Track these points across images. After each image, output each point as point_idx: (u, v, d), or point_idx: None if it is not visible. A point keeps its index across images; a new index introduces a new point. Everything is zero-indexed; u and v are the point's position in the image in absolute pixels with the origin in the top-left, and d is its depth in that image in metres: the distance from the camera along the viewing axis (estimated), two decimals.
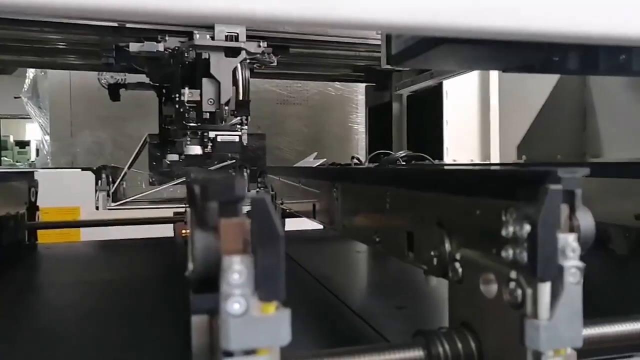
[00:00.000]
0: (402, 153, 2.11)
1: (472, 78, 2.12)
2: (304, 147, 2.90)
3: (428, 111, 2.20)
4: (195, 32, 1.88)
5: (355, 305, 0.59)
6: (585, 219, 0.31)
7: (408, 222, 0.49)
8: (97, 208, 1.76)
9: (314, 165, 2.03)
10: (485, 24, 0.39)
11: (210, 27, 1.90)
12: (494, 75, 2.11)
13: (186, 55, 1.92)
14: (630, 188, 0.72)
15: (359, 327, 0.53)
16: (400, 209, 0.51)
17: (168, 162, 2.19)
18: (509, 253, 0.32)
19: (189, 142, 1.96)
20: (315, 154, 2.30)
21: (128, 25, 1.91)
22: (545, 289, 0.30)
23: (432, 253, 0.43)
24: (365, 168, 1.70)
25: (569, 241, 0.30)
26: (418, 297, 0.55)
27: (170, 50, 1.92)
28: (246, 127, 1.97)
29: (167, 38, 1.91)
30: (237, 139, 1.94)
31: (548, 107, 1.44)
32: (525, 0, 0.39)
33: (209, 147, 1.95)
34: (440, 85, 2.09)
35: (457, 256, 0.38)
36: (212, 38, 1.90)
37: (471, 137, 2.09)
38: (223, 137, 1.94)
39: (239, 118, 1.96)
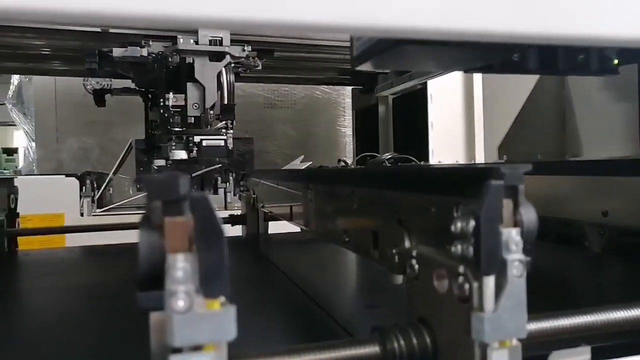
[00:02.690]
0: (388, 155, 2.13)
1: (456, 80, 2.14)
2: (292, 150, 2.91)
3: (413, 113, 2.21)
4: (179, 36, 1.88)
5: (327, 304, 0.59)
6: (528, 214, 0.32)
7: (372, 221, 0.49)
8: (81, 214, 1.75)
9: (301, 169, 2.03)
10: (439, 25, 0.40)
11: (194, 32, 1.91)
12: (477, 77, 2.13)
13: (170, 59, 1.92)
14: (601, 185, 0.74)
15: (328, 326, 0.53)
16: (366, 208, 0.52)
17: (155, 168, 2.18)
18: (457, 248, 0.33)
19: (174, 147, 1.96)
20: (302, 157, 2.31)
21: (111, 30, 1.91)
22: (489, 282, 0.31)
23: (394, 251, 0.44)
24: (336, 169, 1.71)
25: (512, 235, 0.31)
26: (391, 296, 0.55)
27: (154, 55, 1.92)
28: (231, 131, 1.98)
29: (150, 43, 1.92)
30: (222, 143, 1.95)
31: (528, 108, 1.46)
32: (480, 1, 0.40)
33: (195, 151, 1.96)
34: (424, 87, 2.11)
35: (414, 253, 0.39)
36: (196, 42, 1.90)
37: (456, 138, 2.10)
38: (208, 141, 1.94)
39: (224, 122, 1.96)
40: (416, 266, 0.38)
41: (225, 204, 1.95)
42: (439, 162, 2.04)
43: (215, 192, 1.99)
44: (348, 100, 2.97)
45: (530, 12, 0.41)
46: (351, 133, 2.94)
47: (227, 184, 1.95)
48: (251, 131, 2.78)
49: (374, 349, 0.35)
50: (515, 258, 0.31)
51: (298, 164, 2.24)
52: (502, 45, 0.49)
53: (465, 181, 0.34)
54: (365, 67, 0.48)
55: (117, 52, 1.88)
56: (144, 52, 1.90)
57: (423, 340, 0.36)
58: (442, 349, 0.35)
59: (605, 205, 0.69)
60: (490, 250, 0.30)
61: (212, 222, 0.26)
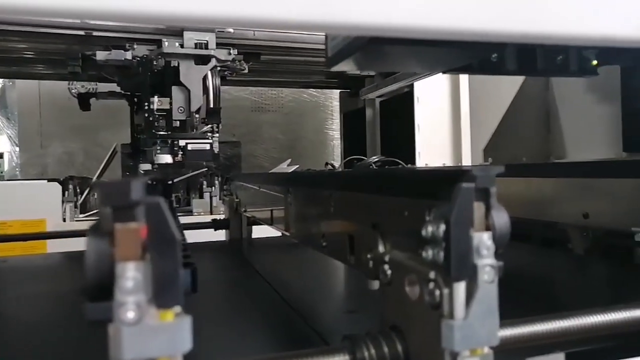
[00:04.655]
0: (375, 158, 2.12)
1: (443, 83, 2.14)
2: (280, 154, 2.90)
3: (401, 116, 2.21)
4: (164, 39, 1.86)
5: (305, 310, 0.58)
6: (500, 217, 0.31)
7: (349, 226, 0.48)
8: (64, 220, 1.72)
9: (288, 172, 2.02)
10: (414, 23, 0.39)
11: (179, 35, 1.89)
12: (464, 79, 2.13)
13: (155, 63, 1.90)
14: (582, 188, 0.73)
15: (305, 333, 0.52)
16: (342, 212, 0.51)
17: (142, 172, 2.16)
18: (428, 253, 0.32)
19: (159, 151, 1.94)
20: (289, 160, 2.30)
21: (95, 33, 1.88)
22: (460, 288, 0.30)
23: (368, 256, 0.42)
24: (315, 172, 1.70)
25: (483, 239, 0.30)
26: (371, 301, 0.54)
27: (138, 59, 1.90)
28: (217, 135, 1.96)
29: (135, 46, 1.90)
30: (208, 147, 1.93)
31: (513, 110, 1.46)
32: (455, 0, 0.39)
33: (180, 155, 1.94)
34: (411, 90, 2.11)
35: (387, 258, 0.38)
36: (181, 46, 1.88)
37: (443, 141, 2.10)
38: (194, 145, 1.92)
39: (209, 126, 1.95)
40: (389, 272, 0.37)
41: (211, 208, 1.93)
42: (426, 164, 2.04)
43: (201, 196, 1.97)
44: (336, 104, 2.97)
45: (508, 9, 0.40)
46: (339, 136, 2.93)
47: (213, 188, 1.93)
48: (238, 135, 2.77)
49: (343, 358, 0.34)
50: (487, 263, 0.30)
51: (285, 167, 2.22)
52: (480, 45, 0.48)
53: (437, 184, 0.33)
54: (340, 67, 0.47)
55: (100, 55, 1.86)
56: (129, 55, 1.88)
57: (394, 349, 0.34)
58: (414, 357, 0.34)
59: (586, 208, 0.68)
60: (461, 256, 0.29)
61: (166, 228, 0.25)
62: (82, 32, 1.89)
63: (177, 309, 0.26)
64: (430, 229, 0.32)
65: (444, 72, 0.54)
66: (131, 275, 0.24)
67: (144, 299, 0.25)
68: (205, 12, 0.37)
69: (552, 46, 0.51)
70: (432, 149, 2.08)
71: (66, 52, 1.95)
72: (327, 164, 2.49)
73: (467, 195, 0.30)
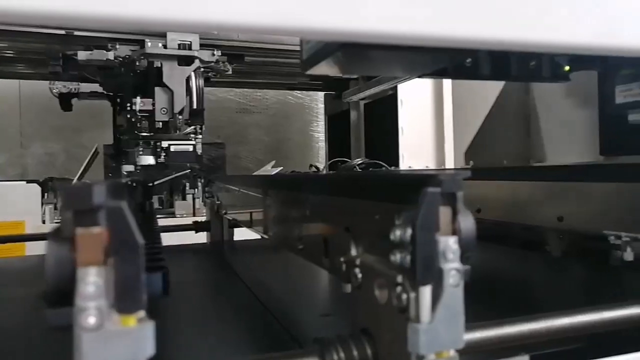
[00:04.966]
0: (359, 160, 2.13)
1: (426, 86, 2.16)
2: (265, 155, 2.89)
3: (385, 119, 2.22)
4: (147, 40, 1.85)
5: (282, 313, 0.58)
6: (466, 221, 0.31)
7: (323, 229, 0.48)
8: (43, 222, 1.70)
9: (267, 174, 2.02)
10: (387, 29, 0.39)
11: (162, 36, 1.88)
12: (447, 83, 2.15)
13: (138, 63, 1.89)
14: (557, 191, 0.74)
15: (280, 336, 0.52)
16: (318, 215, 0.51)
17: (125, 173, 2.14)
18: (396, 257, 0.32)
19: (141, 152, 1.93)
20: (273, 162, 2.30)
21: (77, 33, 1.86)
22: (425, 292, 0.30)
23: (341, 259, 0.43)
24: (293, 175, 1.70)
25: (449, 244, 0.30)
26: (346, 305, 0.54)
27: (120, 59, 1.89)
28: (200, 136, 1.95)
29: (117, 46, 1.88)
30: (191, 148, 1.92)
31: (493, 114, 1.48)
32: (429, 7, 0.40)
33: (163, 157, 1.92)
34: (395, 93, 2.12)
35: (357, 262, 0.38)
36: (165, 46, 1.87)
37: (426, 144, 2.12)
38: (177, 146, 1.91)
39: (193, 127, 1.94)
40: (359, 275, 0.38)
41: (194, 210, 1.92)
42: (409, 167, 2.05)
43: (184, 198, 1.96)
44: (321, 106, 2.97)
45: (480, 17, 0.41)
46: (324, 138, 2.94)
47: (196, 190, 1.92)
48: (223, 136, 2.75)
49: None
50: (452, 267, 0.30)
51: (269, 169, 2.22)
52: (454, 50, 0.49)
53: (406, 188, 0.33)
54: (314, 71, 0.47)
55: (82, 55, 1.84)
56: (111, 55, 1.87)
57: (364, 352, 0.35)
58: None
59: (560, 211, 0.69)
60: (426, 259, 0.30)
61: (128, 233, 0.25)
62: (62, 32, 1.87)
63: (141, 314, 0.26)
64: (398, 233, 0.32)
65: (419, 77, 0.54)
66: (92, 280, 0.24)
67: (106, 304, 0.24)
68: (181, 17, 0.36)
69: (525, 52, 0.52)
70: (415, 151, 2.10)
71: (47, 52, 1.92)
72: (311, 166, 2.49)
73: (432, 199, 0.30)
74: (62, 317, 0.25)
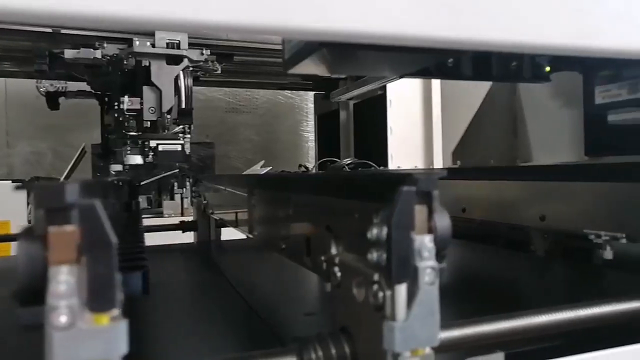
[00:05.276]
0: (348, 160, 2.13)
1: (415, 87, 2.17)
2: (254, 155, 2.89)
3: (374, 119, 2.23)
4: (135, 39, 1.84)
5: (267, 312, 0.58)
6: (442, 220, 0.31)
7: (306, 228, 0.49)
8: (29, 222, 1.68)
9: (252, 174, 2.01)
10: (366, 29, 0.39)
11: (150, 34, 1.87)
12: (436, 83, 2.16)
13: (125, 62, 1.88)
14: (539, 191, 0.75)
15: (263, 335, 0.52)
16: (300, 215, 0.51)
17: (113, 173, 2.12)
18: (373, 255, 0.32)
19: (129, 152, 1.91)
20: (263, 162, 2.29)
21: (63, 31, 1.85)
22: (401, 290, 0.30)
23: (322, 258, 0.43)
24: (278, 175, 1.70)
25: (424, 242, 0.30)
26: (328, 303, 0.54)
27: (108, 58, 1.87)
28: (189, 135, 1.94)
29: (105, 45, 1.87)
30: (179, 147, 1.91)
31: (481, 114, 1.49)
32: (411, 6, 0.40)
33: (151, 156, 1.91)
34: (384, 93, 2.13)
35: (337, 260, 0.38)
36: (153, 45, 1.86)
37: (415, 144, 2.13)
38: (165, 146, 1.90)
39: (181, 127, 1.93)
40: (338, 274, 0.38)
41: (182, 209, 1.91)
42: (398, 167, 2.06)
43: (172, 198, 1.95)
44: (311, 106, 2.97)
45: (461, 17, 0.41)
46: (314, 138, 2.94)
47: (184, 189, 1.91)
48: (212, 136, 2.74)
49: None
50: (428, 265, 0.30)
51: (258, 168, 2.22)
52: (436, 50, 0.49)
53: (384, 187, 0.33)
54: (296, 70, 0.47)
55: (68, 53, 1.83)
56: (98, 54, 1.85)
57: (342, 351, 0.35)
58: (362, 359, 0.34)
59: (543, 210, 0.70)
60: (402, 258, 0.30)
61: (101, 231, 0.25)
62: (49, 30, 1.85)
63: (114, 312, 0.26)
64: (375, 231, 0.32)
65: (401, 76, 0.54)
66: (64, 279, 0.24)
67: (78, 303, 0.24)
68: (158, 15, 0.36)
69: (506, 53, 0.52)
70: (404, 151, 2.11)
71: (33, 50, 1.90)
72: (300, 165, 2.49)
73: (407, 198, 0.30)
74: (33, 316, 0.25)
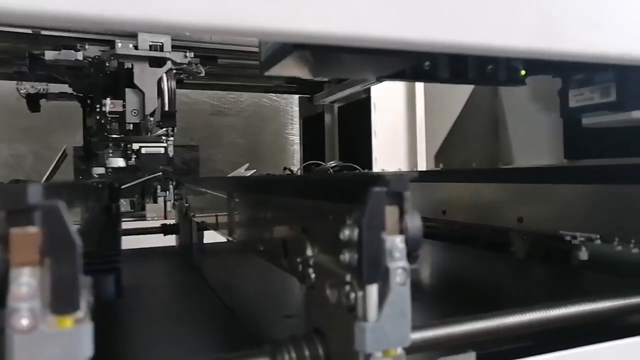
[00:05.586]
0: (332, 163, 2.14)
1: (399, 90, 2.18)
2: (240, 158, 2.87)
3: (358, 122, 2.24)
4: (117, 40, 1.82)
5: (245, 315, 0.58)
6: (413, 221, 0.31)
7: (283, 230, 0.48)
8: None
9: (231, 177, 2.01)
10: (341, 31, 0.39)
11: (133, 36, 1.85)
12: (419, 86, 2.18)
13: (107, 64, 1.86)
14: (517, 193, 0.76)
15: (241, 337, 0.52)
16: (277, 217, 0.51)
17: (95, 176, 2.09)
18: (345, 256, 0.32)
19: (111, 155, 1.89)
20: (247, 165, 2.28)
21: (44, 32, 1.82)
22: (372, 291, 0.30)
23: (298, 260, 0.43)
24: (257, 177, 1.70)
25: (395, 243, 0.31)
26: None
27: (90, 59, 1.85)
28: (172, 138, 1.93)
29: (86, 46, 1.85)
30: (162, 150, 1.89)
31: (463, 117, 1.50)
32: (382, 9, 0.40)
33: (133, 159, 1.89)
34: (368, 97, 2.14)
35: (311, 262, 0.38)
36: (136, 47, 1.85)
37: (399, 147, 2.14)
38: (148, 149, 1.88)
39: (164, 129, 1.91)
40: (313, 275, 0.38)
41: (165, 212, 1.89)
42: (382, 169, 2.07)
43: (155, 201, 1.93)
44: (296, 109, 2.97)
45: (437, 20, 0.41)
46: (299, 141, 2.94)
47: (167, 192, 1.89)
48: (197, 138, 2.72)
49: None
50: (399, 266, 0.30)
51: (243, 171, 2.21)
52: (412, 53, 0.49)
53: (358, 189, 0.33)
54: (272, 72, 0.47)
55: (49, 55, 1.80)
56: (79, 55, 1.83)
57: (315, 352, 0.35)
58: None
59: (521, 212, 0.71)
60: (372, 258, 0.30)
61: (65, 233, 0.24)
62: (29, 31, 1.83)
63: (79, 314, 0.25)
64: (347, 232, 0.32)
65: (379, 79, 0.55)
66: (25, 281, 0.24)
67: (40, 306, 0.24)
68: (129, 15, 0.36)
69: (482, 56, 0.53)
70: (388, 154, 2.11)
71: (12, 51, 1.88)
72: (285, 168, 2.49)
73: (378, 199, 0.30)
74: None
